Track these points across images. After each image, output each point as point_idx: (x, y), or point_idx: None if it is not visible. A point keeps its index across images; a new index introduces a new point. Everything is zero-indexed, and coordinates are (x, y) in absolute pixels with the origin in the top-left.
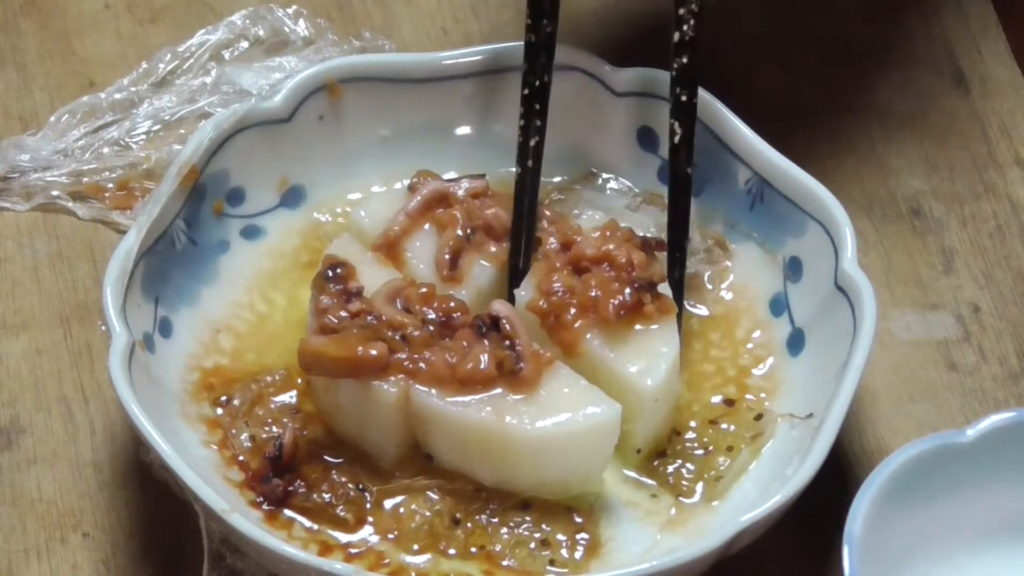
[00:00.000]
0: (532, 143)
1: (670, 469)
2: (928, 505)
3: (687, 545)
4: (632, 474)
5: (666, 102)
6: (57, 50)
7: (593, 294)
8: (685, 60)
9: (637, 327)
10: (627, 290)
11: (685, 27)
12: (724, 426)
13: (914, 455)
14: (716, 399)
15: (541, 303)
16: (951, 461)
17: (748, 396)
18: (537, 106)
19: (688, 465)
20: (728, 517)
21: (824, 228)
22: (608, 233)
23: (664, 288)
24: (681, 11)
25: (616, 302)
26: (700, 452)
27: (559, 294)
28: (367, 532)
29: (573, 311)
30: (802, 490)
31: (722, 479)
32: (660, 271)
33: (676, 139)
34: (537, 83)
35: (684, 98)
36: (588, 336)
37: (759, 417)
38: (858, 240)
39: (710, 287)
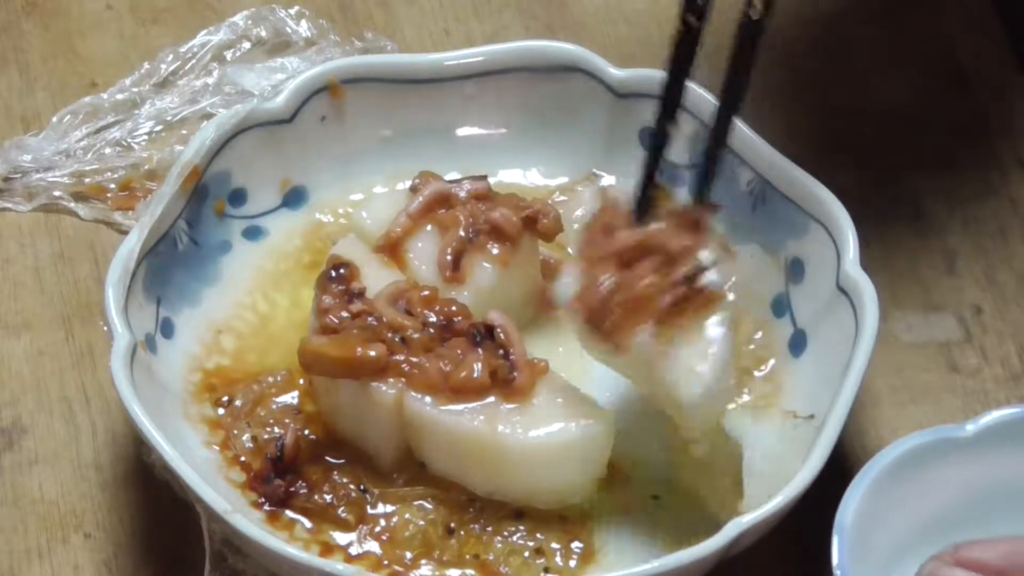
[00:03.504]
0: None
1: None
2: (925, 500)
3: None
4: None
5: None
6: (59, 51)
7: (642, 288)
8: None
9: (688, 319)
10: (680, 287)
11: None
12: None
13: (910, 448)
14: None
15: (587, 300)
16: (948, 456)
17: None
18: None
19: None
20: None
21: (826, 229)
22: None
23: (711, 274)
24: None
25: (668, 299)
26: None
27: (606, 289)
28: (364, 537)
29: (619, 308)
30: (803, 491)
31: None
32: (709, 255)
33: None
34: None
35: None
36: (637, 332)
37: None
38: (859, 241)
39: None
